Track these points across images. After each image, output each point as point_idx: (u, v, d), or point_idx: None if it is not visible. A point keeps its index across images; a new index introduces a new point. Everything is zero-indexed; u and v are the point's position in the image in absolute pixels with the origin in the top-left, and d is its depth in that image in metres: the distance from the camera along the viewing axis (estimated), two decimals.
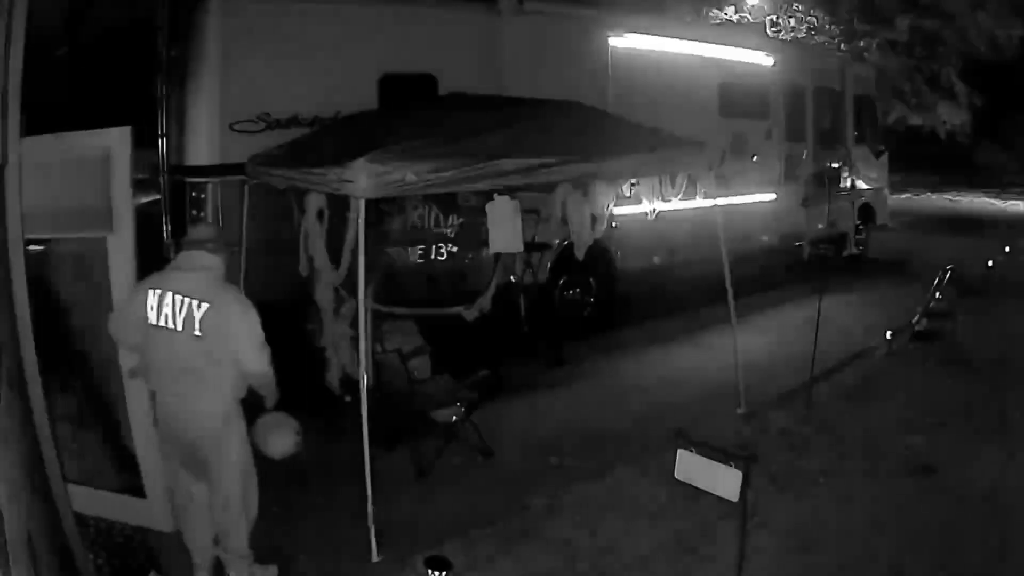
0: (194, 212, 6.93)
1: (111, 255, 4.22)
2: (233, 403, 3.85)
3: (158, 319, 3.71)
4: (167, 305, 3.69)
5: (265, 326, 3.84)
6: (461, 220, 7.65)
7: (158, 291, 3.73)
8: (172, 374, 3.77)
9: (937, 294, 7.84)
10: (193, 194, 6.90)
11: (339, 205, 5.50)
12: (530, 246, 7.30)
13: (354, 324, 5.40)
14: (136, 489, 4.39)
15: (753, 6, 19.41)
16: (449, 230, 7.70)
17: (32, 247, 3.32)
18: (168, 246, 7.41)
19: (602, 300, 9.15)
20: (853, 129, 12.73)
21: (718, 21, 18.47)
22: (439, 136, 5.09)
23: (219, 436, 3.81)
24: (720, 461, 3.46)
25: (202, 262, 3.79)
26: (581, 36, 8.75)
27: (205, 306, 3.66)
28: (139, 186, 4.72)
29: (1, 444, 2.43)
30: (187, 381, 3.76)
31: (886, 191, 14.26)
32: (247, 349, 3.73)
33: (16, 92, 3.12)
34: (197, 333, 3.67)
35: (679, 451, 3.65)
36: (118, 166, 4.18)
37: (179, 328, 3.68)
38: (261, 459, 4.08)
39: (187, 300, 3.67)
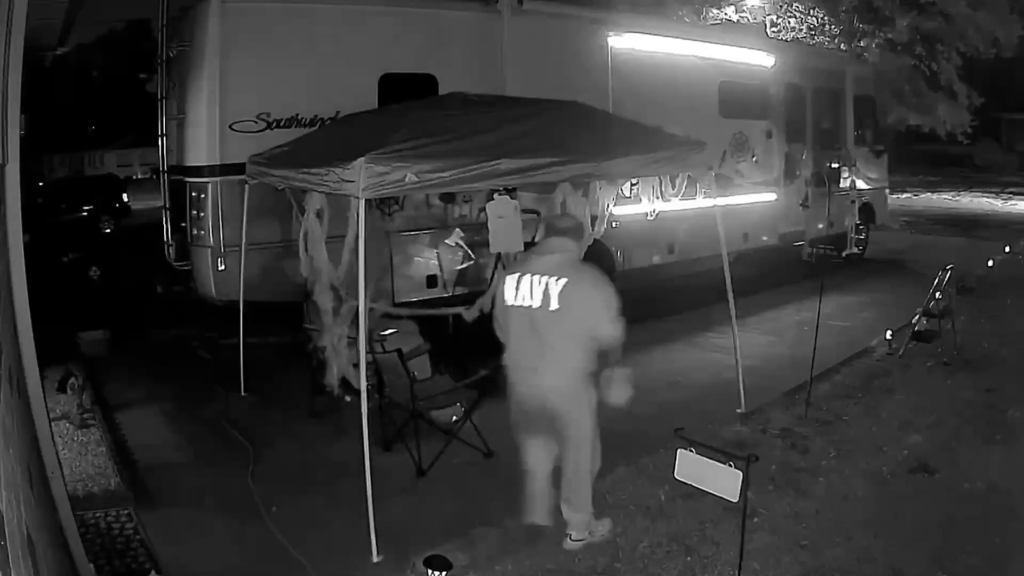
0: (194, 212, 6.93)
1: None
2: (583, 374, 4.10)
3: (515, 298, 4.13)
4: (524, 286, 4.11)
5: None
6: None
7: (516, 275, 4.18)
8: (527, 347, 4.13)
9: (937, 294, 7.82)
10: (193, 194, 6.91)
11: (339, 205, 5.50)
12: (530, 246, 7.29)
13: (354, 324, 5.39)
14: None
15: (753, 6, 19.43)
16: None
17: None
18: (167, 246, 7.44)
19: None
20: (853, 129, 12.74)
21: (718, 21, 18.47)
22: (439, 136, 5.09)
23: (570, 407, 4.12)
24: (720, 461, 3.46)
25: (562, 246, 4.17)
26: (581, 36, 8.75)
27: (563, 281, 4.03)
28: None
29: (1, 444, 2.43)
30: (541, 353, 4.05)
31: (886, 191, 14.26)
32: (602, 319, 4.02)
33: (16, 92, 3.13)
34: (554, 307, 4.01)
35: (679, 451, 3.66)
36: None
37: (536, 304, 4.06)
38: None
39: (544, 278, 4.06)
